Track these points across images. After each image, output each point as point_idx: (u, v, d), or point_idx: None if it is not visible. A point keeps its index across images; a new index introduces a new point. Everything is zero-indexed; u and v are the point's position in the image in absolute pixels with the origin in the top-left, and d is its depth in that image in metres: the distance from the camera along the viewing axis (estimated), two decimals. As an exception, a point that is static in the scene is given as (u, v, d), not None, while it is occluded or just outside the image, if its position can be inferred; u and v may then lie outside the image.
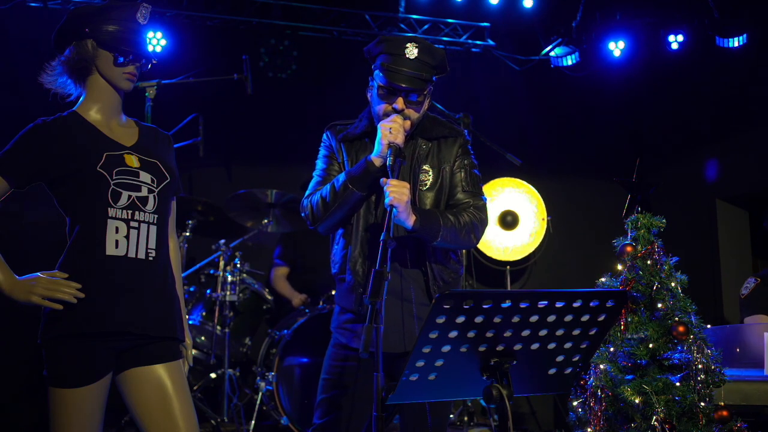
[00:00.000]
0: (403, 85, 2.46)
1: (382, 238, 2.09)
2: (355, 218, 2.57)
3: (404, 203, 2.30)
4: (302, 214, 2.63)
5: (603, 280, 3.03)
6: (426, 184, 2.58)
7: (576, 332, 1.92)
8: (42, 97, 2.34)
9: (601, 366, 2.86)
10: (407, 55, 2.46)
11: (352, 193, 2.45)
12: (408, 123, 2.49)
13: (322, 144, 2.72)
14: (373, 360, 2.50)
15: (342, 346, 2.60)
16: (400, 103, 2.48)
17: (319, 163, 2.69)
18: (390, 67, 2.47)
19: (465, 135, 2.69)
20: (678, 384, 2.69)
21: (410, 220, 2.38)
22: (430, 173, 2.59)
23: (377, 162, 2.42)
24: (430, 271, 2.54)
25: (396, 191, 2.28)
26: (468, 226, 2.51)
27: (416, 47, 2.46)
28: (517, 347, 1.87)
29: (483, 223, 2.57)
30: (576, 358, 1.99)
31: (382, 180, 2.36)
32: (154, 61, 2.32)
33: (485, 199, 2.64)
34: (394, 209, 2.26)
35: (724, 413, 2.73)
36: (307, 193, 2.63)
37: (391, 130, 2.39)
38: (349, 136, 2.64)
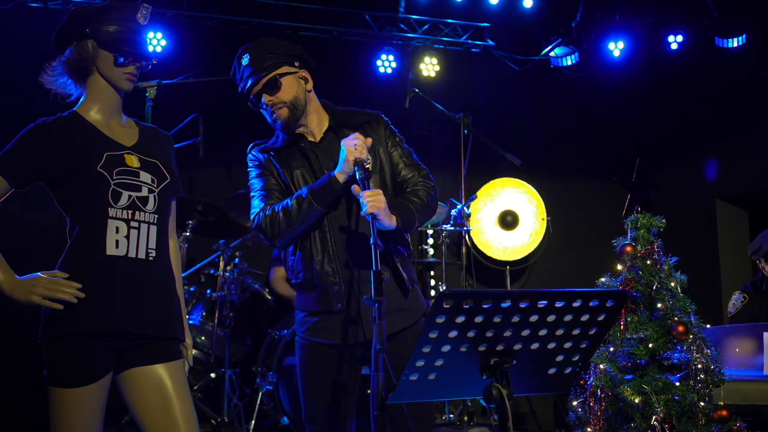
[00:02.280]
0: (253, 84, 2.59)
1: (371, 242, 2.18)
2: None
3: (383, 210, 2.37)
4: (254, 226, 2.65)
5: (603, 280, 3.03)
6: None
7: (576, 332, 1.92)
8: (42, 98, 2.34)
9: (601, 366, 2.86)
10: (245, 65, 2.62)
11: (315, 210, 2.50)
12: (284, 109, 2.61)
13: (251, 165, 2.76)
14: (356, 354, 2.54)
15: (318, 344, 2.60)
16: (265, 98, 2.62)
17: (256, 183, 2.72)
18: (243, 84, 2.63)
19: (383, 115, 2.76)
20: (678, 384, 2.69)
21: (393, 223, 2.45)
22: (369, 158, 2.62)
23: (341, 178, 2.49)
24: (390, 250, 2.59)
25: (373, 200, 2.33)
26: (428, 198, 2.63)
27: (247, 52, 2.62)
28: (517, 347, 1.87)
29: (434, 190, 2.69)
30: (576, 358, 1.99)
31: (354, 188, 2.42)
32: (154, 62, 2.32)
33: (426, 167, 2.73)
34: (376, 217, 2.31)
35: (724, 413, 2.73)
36: (256, 210, 2.65)
37: (356, 147, 2.46)
38: (269, 147, 2.71)
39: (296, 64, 2.65)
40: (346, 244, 2.57)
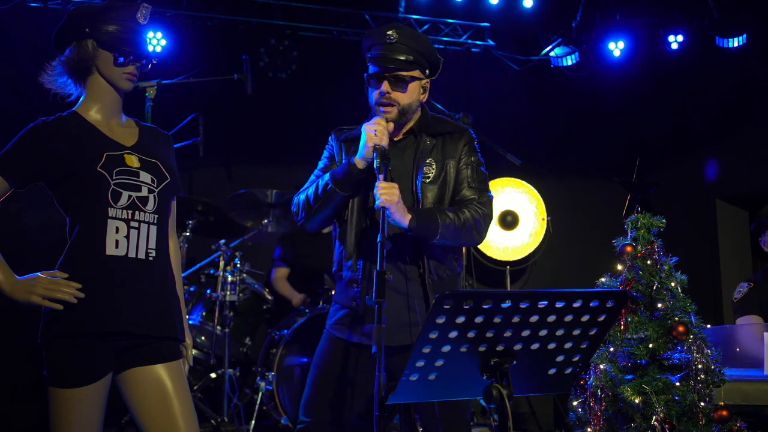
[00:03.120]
0: (383, 66, 2.52)
1: (378, 239, 2.15)
2: (349, 217, 2.60)
3: (395, 204, 2.34)
4: (292, 210, 2.67)
5: (603, 280, 3.03)
6: (429, 177, 2.60)
7: (576, 332, 1.92)
8: (42, 97, 2.34)
9: (601, 366, 2.86)
10: (388, 41, 2.52)
11: (335, 194, 2.50)
12: (394, 110, 2.53)
13: (327, 146, 2.77)
14: (375, 358, 2.52)
15: (340, 340, 2.61)
16: (385, 86, 2.53)
17: (320, 163, 2.74)
18: (373, 53, 2.54)
19: (471, 133, 2.72)
20: (678, 384, 2.69)
21: (405, 220, 2.41)
22: (434, 166, 2.60)
23: (360, 164, 2.47)
24: (426, 265, 2.55)
25: (386, 192, 2.31)
26: (469, 222, 2.52)
27: (396, 32, 2.53)
28: (517, 347, 1.87)
29: (486, 218, 2.58)
30: (576, 358, 1.99)
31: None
32: (154, 61, 2.32)
33: (492, 195, 2.66)
34: (387, 210, 2.29)
35: (724, 413, 2.73)
36: (298, 192, 2.66)
37: (375, 132, 2.43)
38: (350, 137, 2.68)
39: (426, 72, 2.62)
40: (371, 242, 2.54)
